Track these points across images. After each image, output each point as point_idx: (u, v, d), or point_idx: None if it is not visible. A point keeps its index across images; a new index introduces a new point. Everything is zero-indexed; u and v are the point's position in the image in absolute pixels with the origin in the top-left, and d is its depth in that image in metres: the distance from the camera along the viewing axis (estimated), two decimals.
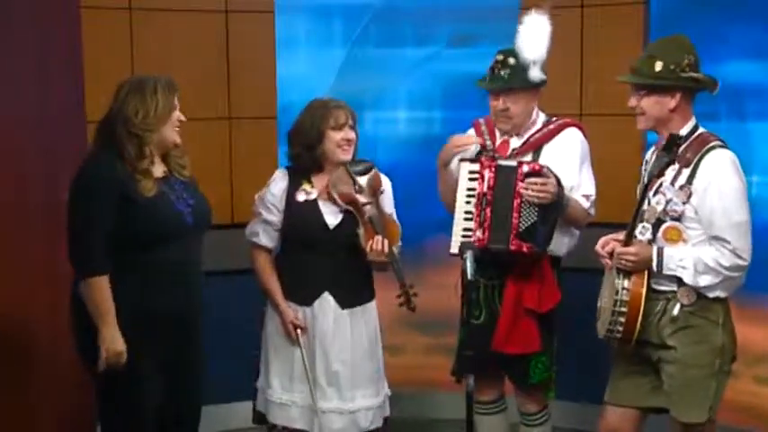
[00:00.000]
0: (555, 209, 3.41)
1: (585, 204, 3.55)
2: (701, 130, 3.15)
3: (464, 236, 3.44)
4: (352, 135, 3.40)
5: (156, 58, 4.29)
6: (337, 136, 3.39)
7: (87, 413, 4.00)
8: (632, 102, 3.16)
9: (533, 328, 3.51)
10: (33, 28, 3.85)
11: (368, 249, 3.30)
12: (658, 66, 3.09)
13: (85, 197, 3.08)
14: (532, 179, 3.35)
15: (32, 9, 3.84)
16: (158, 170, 3.19)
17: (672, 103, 3.10)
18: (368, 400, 3.44)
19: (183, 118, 3.20)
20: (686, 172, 3.07)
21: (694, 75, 3.08)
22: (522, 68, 3.49)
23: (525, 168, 3.38)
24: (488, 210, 3.40)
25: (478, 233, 3.40)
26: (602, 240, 3.20)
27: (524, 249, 3.37)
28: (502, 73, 3.51)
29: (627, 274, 3.09)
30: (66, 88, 3.96)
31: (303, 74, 4.70)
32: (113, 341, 3.04)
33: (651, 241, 3.11)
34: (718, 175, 3.02)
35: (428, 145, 4.69)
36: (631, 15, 4.45)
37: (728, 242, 2.99)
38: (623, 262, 3.08)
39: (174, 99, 3.17)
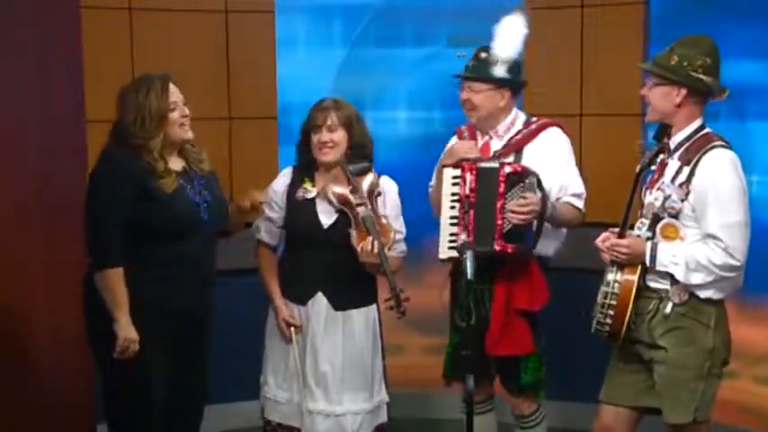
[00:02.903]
0: (540, 215, 3.42)
1: (579, 204, 3.57)
2: (706, 130, 3.16)
3: (451, 241, 3.45)
4: (326, 138, 3.38)
5: (156, 58, 4.29)
6: (315, 138, 3.40)
7: (87, 412, 4.01)
8: (643, 90, 3.19)
9: (525, 330, 3.51)
10: (33, 28, 3.85)
11: (359, 250, 3.29)
12: (673, 60, 3.11)
13: (102, 191, 3.09)
14: (513, 203, 3.35)
15: (32, 9, 3.85)
16: (177, 165, 3.21)
17: (677, 98, 3.11)
18: (356, 404, 3.41)
19: (186, 112, 3.20)
20: (686, 170, 3.08)
21: (703, 77, 3.08)
22: (487, 63, 3.54)
23: (507, 169, 3.39)
24: (472, 212, 3.41)
25: (463, 236, 3.41)
26: (603, 235, 3.21)
27: (509, 250, 3.39)
28: (470, 64, 3.59)
29: (620, 267, 3.11)
30: (66, 88, 3.96)
31: (303, 74, 4.70)
32: (128, 329, 3.06)
33: (650, 238, 3.11)
34: (716, 174, 3.03)
35: (428, 145, 4.69)
36: (631, 15, 4.45)
37: (721, 241, 3.00)
38: (616, 254, 3.10)
39: (167, 98, 3.14)
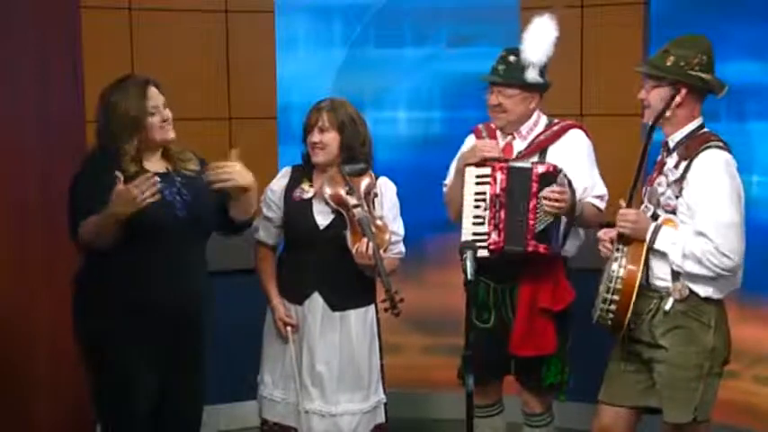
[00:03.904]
0: (570, 212, 3.43)
1: (601, 205, 3.56)
2: (705, 129, 3.17)
3: (474, 240, 3.42)
4: (317, 138, 3.38)
5: (156, 58, 4.29)
6: (308, 138, 3.41)
7: (86, 412, 4.01)
8: (641, 94, 3.19)
9: (549, 330, 3.50)
10: (33, 28, 3.86)
11: (354, 251, 3.28)
12: (670, 60, 3.12)
13: (75, 194, 3.09)
14: (549, 189, 3.34)
15: (32, 9, 3.85)
16: (159, 167, 3.18)
17: (677, 98, 3.11)
18: (353, 404, 3.40)
19: (166, 116, 3.15)
20: (683, 166, 3.09)
21: (702, 74, 3.09)
22: (518, 67, 3.51)
23: (540, 169, 3.38)
24: (503, 212, 3.40)
25: (494, 236, 3.39)
26: (604, 229, 3.22)
27: (541, 250, 3.38)
28: (499, 68, 3.54)
29: (624, 252, 3.09)
30: (67, 88, 3.96)
31: (303, 74, 4.70)
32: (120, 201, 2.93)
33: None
34: (707, 174, 3.04)
35: (428, 145, 4.70)
36: (631, 15, 4.45)
37: (711, 239, 3.00)
38: (622, 223, 3.11)
39: (145, 102, 3.10)
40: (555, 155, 3.52)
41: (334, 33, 4.80)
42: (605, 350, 3.33)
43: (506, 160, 3.50)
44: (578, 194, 3.49)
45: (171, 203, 3.14)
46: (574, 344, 3.61)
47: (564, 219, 3.44)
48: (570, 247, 3.59)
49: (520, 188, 3.38)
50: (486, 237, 3.41)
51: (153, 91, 3.15)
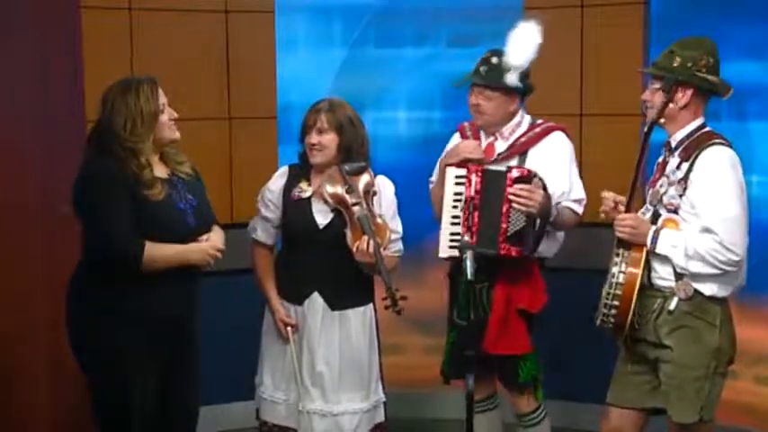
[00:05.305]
0: (543, 215, 3.44)
1: (579, 210, 3.60)
2: (707, 128, 3.17)
3: (452, 240, 3.45)
4: (315, 140, 3.38)
5: (156, 58, 4.29)
6: (306, 139, 3.41)
7: (86, 413, 4.01)
8: (646, 94, 3.19)
9: (522, 329, 3.54)
10: (33, 28, 3.85)
11: (354, 250, 3.28)
12: (676, 61, 3.12)
13: (97, 190, 3.04)
14: (519, 187, 3.36)
15: (32, 9, 3.85)
16: (162, 172, 3.18)
17: (682, 99, 3.12)
18: (354, 404, 3.41)
19: (174, 115, 3.17)
20: (685, 166, 3.10)
21: (708, 76, 3.09)
22: (499, 70, 3.53)
23: (515, 173, 3.40)
24: (476, 214, 3.43)
25: (466, 237, 3.42)
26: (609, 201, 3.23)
27: (513, 253, 3.41)
28: (481, 69, 3.57)
29: (624, 257, 3.10)
30: (67, 88, 3.96)
31: (303, 74, 4.71)
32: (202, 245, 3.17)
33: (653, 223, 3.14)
34: (712, 169, 3.05)
35: (428, 145, 4.70)
36: (631, 15, 4.45)
37: (716, 234, 3.01)
38: (620, 229, 3.11)
39: (158, 100, 3.11)
40: (535, 157, 3.55)
41: (334, 33, 4.80)
42: (601, 350, 3.35)
43: (485, 162, 3.52)
44: (556, 197, 3.51)
45: (183, 211, 3.15)
46: (561, 343, 3.63)
47: (537, 222, 3.45)
48: (549, 250, 3.62)
49: (494, 191, 3.40)
50: (458, 237, 3.43)
51: (160, 90, 3.16)
